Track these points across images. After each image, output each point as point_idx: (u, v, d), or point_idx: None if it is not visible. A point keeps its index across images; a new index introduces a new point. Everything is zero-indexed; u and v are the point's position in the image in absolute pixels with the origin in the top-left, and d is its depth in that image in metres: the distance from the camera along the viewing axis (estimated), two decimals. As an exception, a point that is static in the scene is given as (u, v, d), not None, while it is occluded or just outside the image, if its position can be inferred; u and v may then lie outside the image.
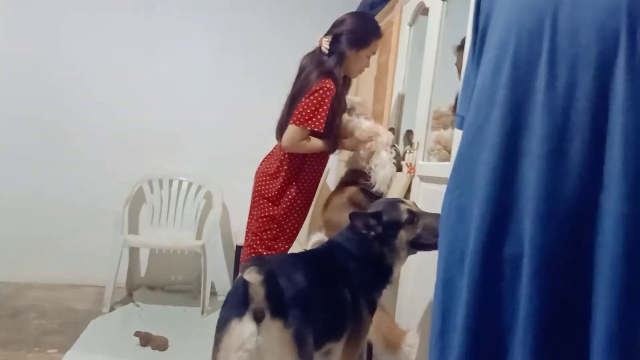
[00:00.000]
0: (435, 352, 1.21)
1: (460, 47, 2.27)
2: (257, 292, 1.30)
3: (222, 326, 1.37)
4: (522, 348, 1.01)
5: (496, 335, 1.06)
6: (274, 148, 2.43)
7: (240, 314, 1.33)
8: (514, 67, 1.08)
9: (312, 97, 2.16)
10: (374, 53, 2.41)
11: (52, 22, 3.83)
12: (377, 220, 1.70)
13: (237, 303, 1.35)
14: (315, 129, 2.18)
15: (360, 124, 2.39)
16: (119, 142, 3.93)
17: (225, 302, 1.45)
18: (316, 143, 2.27)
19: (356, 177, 2.41)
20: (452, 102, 2.39)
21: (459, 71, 2.31)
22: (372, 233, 1.70)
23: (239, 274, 1.38)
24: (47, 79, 3.84)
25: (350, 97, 2.53)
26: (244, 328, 1.32)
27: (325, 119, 2.18)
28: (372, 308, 1.73)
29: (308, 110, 2.16)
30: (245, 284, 1.30)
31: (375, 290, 1.75)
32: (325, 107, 2.16)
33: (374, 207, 1.79)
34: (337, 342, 1.61)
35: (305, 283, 1.47)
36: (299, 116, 2.16)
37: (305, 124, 2.16)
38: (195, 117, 4.03)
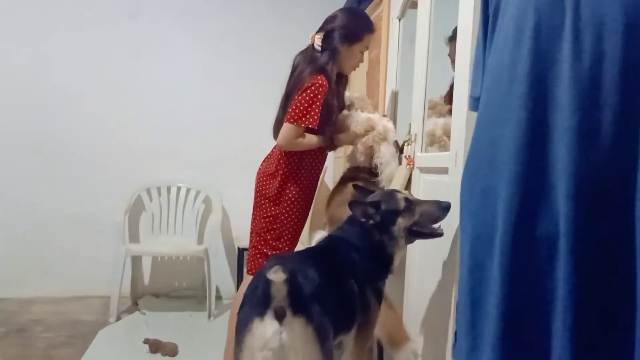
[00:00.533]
0: (467, 342, 1.16)
1: (452, 38, 2.29)
2: (279, 290, 1.31)
3: (243, 326, 1.37)
4: (562, 328, 0.97)
5: (534, 316, 1.02)
6: (273, 148, 2.44)
7: (261, 313, 1.34)
8: (535, 40, 1.03)
9: (304, 94, 2.16)
10: (367, 48, 2.42)
11: (41, 37, 3.83)
12: (375, 209, 1.73)
13: (258, 302, 1.36)
14: (310, 126, 2.18)
15: (357, 116, 2.40)
16: (114, 152, 3.94)
17: (244, 302, 1.45)
18: (311, 140, 2.27)
19: (357, 173, 2.42)
20: (443, 92, 2.41)
21: (453, 61, 2.32)
22: (371, 221, 1.73)
23: (259, 274, 1.38)
24: (38, 94, 3.84)
25: (349, 94, 2.54)
26: (267, 327, 1.33)
27: (319, 115, 2.17)
28: (379, 297, 1.76)
29: (301, 107, 2.16)
30: (267, 283, 1.31)
31: (379, 280, 1.79)
32: (318, 104, 2.16)
33: (371, 198, 1.82)
34: (348, 333, 1.64)
35: (318, 279, 1.49)
36: (293, 114, 2.17)
37: (299, 121, 2.17)
38: (190, 123, 4.04)
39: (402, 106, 2.71)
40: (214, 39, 4.06)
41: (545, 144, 1.01)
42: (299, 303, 1.35)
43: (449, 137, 2.22)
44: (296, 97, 2.18)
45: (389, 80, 2.81)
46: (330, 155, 2.61)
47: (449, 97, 2.38)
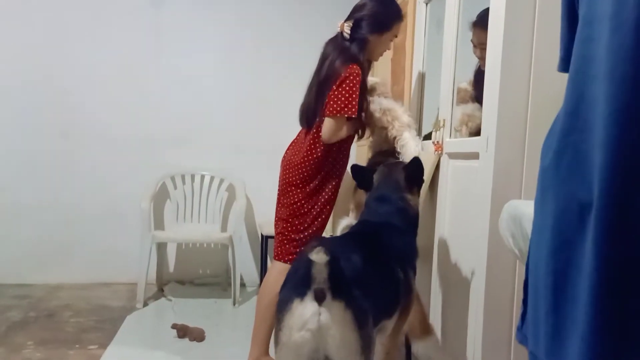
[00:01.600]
0: (546, 329, 1.05)
1: (476, 23, 2.25)
2: (320, 272, 1.32)
3: (283, 306, 1.39)
4: None
5: (635, 304, 0.89)
6: (299, 135, 2.43)
7: (302, 294, 1.35)
8: None
9: (343, 85, 2.18)
10: (396, 36, 2.42)
11: (61, 26, 3.86)
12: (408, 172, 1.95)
13: (299, 283, 1.37)
14: (351, 116, 2.21)
15: (380, 103, 2.40)
16: (138, 140, 3.97)
17: (285, 282, 1.48)
18: (348, 129, 2.31)
19: (382, 158, 2.41)
20: (471, 77, 2.39)
21: (475, 46, 2.29)
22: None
23: (302, 255, 1.39)
24: (59, 84, 3.88)
25: (369, 78, 2.53)
26: (306, 308, 1.34)
27: (358, 104, 2.20)
28: (415, 274, 1.81)
29: (342, 99, 2.18)
30: (308, 264, 1.31)
31: (416, 254, 1.86)
32: (356, 94, 2.19)
33: (396, 166, 2.01)
34: (391, 318, 1.65)
35: (362, 264, 1.50)
36: (335, 106, 2.19)
37: (342, 113, 2.19)
38: (213, 110, 4.05)
39: (429, 92, 2.69)
40: (234, 25, 4.05)
41: None
42: (339, 287, 1.35)
43: (472, 123, 2.21)
44: (334, 89, 2.20)
45: (415, 65, 2.78)
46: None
47: (475, 83, 2.36)
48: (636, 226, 0.87)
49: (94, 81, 3.92)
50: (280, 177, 2.42)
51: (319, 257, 1.28)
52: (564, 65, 1.12)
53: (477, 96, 2.29)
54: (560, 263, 1.01)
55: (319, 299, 1.33)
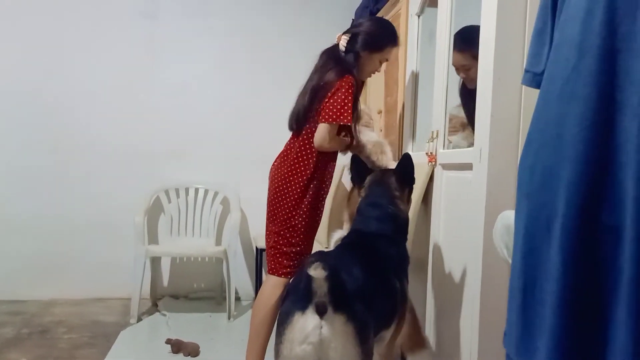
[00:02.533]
0: (517, 330, 1.13)
1: (454, 47, 2.29)
2: (321, 286, 1.32)
3: (284, 319, 1.40)
4: (627, 317, 0.92)
5: (597, 304, 0.98)
6: (286, 146, 2.43)
7: (303, 308, 1.36)
8: (608, 11, 0.97)
9: (339, 94, 2.21)
10: (387, 60, 2.46)
11: (57, 38, 3.85)
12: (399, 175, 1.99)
13: (300, 297, 1.38)
14: (347, 123, 2.24)
15: (369, 136, 2.51)
16: (131, 153, 3.96)
17: (286, 296, 1.48)
18: (341, 140, 2.35)
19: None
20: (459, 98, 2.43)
21: (457, 69, 2.33)
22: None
23: (302, 270, 1.39)
24: (52, 97, 3.86)
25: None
26: (307, 321, 1.35)
27: (352, 112, 2.23)
28: (408, 281, 1.84)
29: (338, 107, 2.20)
30: (309, 279, 1.32)
31: (408, 261, 1.88)
32: (349, 102, 2.21)
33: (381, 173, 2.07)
34: (389, 328, 1.66)
35: (361, 276, 1.51)
36: (330, 113, 2.21)
37: (336, 120, 2.22)
38: (205, 123, 4.05)
39: (422, 103, 2.70)
40: (226, 37, 4.06)
41: (615, 122, 0.95)
42: (340, 300, 1.36)
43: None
44: (329, 97, 2.22)
45: (408, 77, 2.79)
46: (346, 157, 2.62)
47: (462, 100, 2.40)
48: (596, 233, 0.97)
49: (87, 94, 3.91)
50: (269, 190, 2.42)
51: (317, 272, 1.29)
52: (534, 80, 1.20)
53: (467, 115, 2.33)
54: (529, 267, 1.10)
55: (320, 312, 1.34)
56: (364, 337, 1.39)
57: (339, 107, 2.21)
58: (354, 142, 2.40)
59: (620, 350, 0.93)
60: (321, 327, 1.33)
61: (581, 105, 0.99)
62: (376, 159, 2.42)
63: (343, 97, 2.20)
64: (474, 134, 2.19)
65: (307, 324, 1.34)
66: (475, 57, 1.95)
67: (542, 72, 1.17)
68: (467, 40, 2.23)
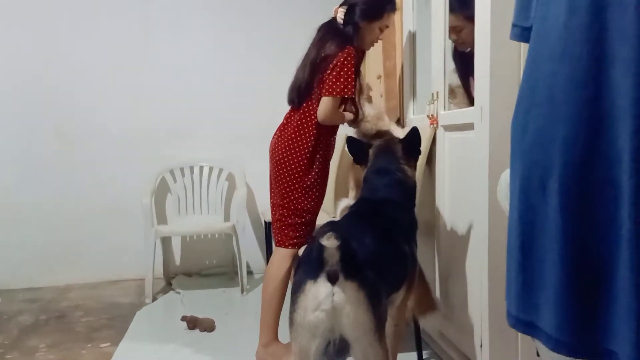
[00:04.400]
0: (516, 287, 1.15)
1: (451, 9, 2.24)
2: (332, 255, 1.33)
3: (297, 288, 1.42)
4: (629, 272, 0.92)
5: (598, 260, 0.98)
6: (285, 119, 2.41)
7: (315, 276, 1.37)
8: None
9: (340, 66, 2.19)
10: (387, 27, 2.41)
11: (52, 23, 3.82)
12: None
13: (311, 266, 1.39)
14: (349, 96, 2.22)
15: (372, 108, 2.50)
16: (133, 136, 3.96)
17: (298, 266, 1.51)
18: (344, 114, 2.34)
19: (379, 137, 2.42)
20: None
21: (450, 31, 2.28)
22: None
23: (313, 240, 1.40)
24: (50, 84, 3.86)
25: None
26: (320, 289, 1.36)
27: (354, 84, 2.21)
28: (417, 245, 1.85)
29: (341, 79, 2.19)
30: (320, 249, 1.33)
31: (416, 227, 1.88)
32: (351, 74, 2.20)
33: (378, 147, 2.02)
34: (399, 291, 1.70)
35: (372, 244, 1.52)
36: (333, 86, 2.20)
37: (340, 93, 2.20)
38: (207, 100, 4.03)
39: (421, 65, 2.67)
40: (223, 14, 4.02)
41: (607, 78, 0.94)
42: (351, 268, 1.37)
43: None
44: (330, 70, 2.20)
45: (405, 40, 2.75)
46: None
47: (455, 63, 2.36)
48: (594, 189, 0.97)
49: (85, 79, 3.90)
50: (271, 163, 2.41)
51: (330, 242, 1.30)
52: (523, 35, 1.18)
53: (461, 75, 2.30)
54: (526, 226, 1.11)
55: (332, 279, 1.35)
56: (376, 302, 1.40)
57: (342, 79, 2.19)
58: (359, 114, 2.39)
59: (623, 303, 0.93)
60: (333, 295, 1.35)
61: (573, 64, 0.98)
62: (374, 125, 2.39)
63: (346, 69, 2.19)
64: (467, 98, 2.17)
65: (319, 292, 1.36)
66: (467, 18, 1.92)
67: (531, 27, 1.15)
68: (459, 1, 2.19)
